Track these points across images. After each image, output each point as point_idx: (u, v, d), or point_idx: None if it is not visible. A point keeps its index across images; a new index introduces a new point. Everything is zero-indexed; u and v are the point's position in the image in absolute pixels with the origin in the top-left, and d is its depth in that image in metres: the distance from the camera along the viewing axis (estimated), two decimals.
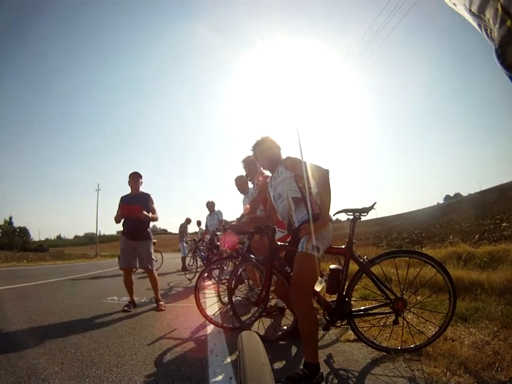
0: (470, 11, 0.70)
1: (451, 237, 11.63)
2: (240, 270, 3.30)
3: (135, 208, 4.11)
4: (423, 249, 7.96)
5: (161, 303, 4.19)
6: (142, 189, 4.48)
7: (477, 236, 10.82)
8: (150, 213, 4.28)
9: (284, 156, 2.60)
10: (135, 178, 4.39)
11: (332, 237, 2.35)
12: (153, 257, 4.36)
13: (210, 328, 3.13)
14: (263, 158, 2.63)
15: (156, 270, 4.38)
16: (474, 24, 0.72)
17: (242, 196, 4.59)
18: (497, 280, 3.48)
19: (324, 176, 2.24)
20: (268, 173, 2.99)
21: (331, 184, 2.25)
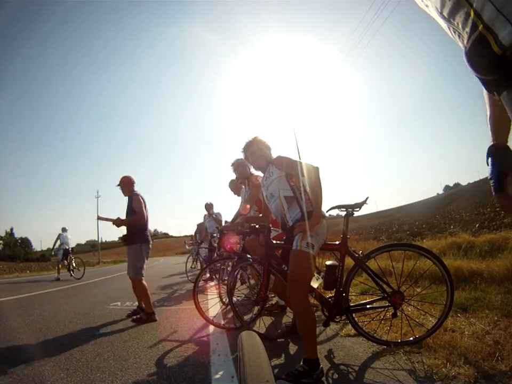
0: (441, 14, 0.72)
1: (451, 227, 11.60)
2: (238, 270, 3.32)
3: (110, 220, 4.05)
4: (424, 240, 7.93)
5: (139, 316, 3.77)
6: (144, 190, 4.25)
7: (477, 225, 10.80)
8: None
9: (275, 154, 2.61)
10: (120, 184, 4.22)
11: (330, 233, 2.38)
12: (141, 265, 3.94)
13: (212, 328, 3.16)
14: (254, 159, 2.64)
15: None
16: (444, 26, 0.74)
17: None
18: (497, 269, 3.49)
19: (315, 174, 2.26)
20: (259, 173, 3.00)
21: (321, 181, 2.27)
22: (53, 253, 11.09)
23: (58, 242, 10.08)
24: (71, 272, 9.95)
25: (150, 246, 4.13)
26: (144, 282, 3.93)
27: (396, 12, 16.15)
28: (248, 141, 2.65)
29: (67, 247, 10.03)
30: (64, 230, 10.32)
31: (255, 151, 2.61)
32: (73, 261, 10.23)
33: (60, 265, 10.14)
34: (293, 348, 2.55)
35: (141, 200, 4.08)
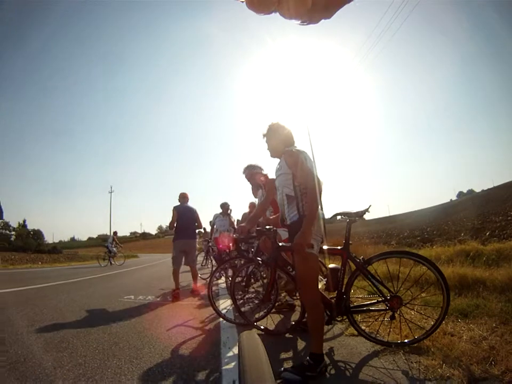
0: None
1: (462, 234, 11.52)
2: (251, 268, 3.46)
3: None
4: (433, 247, 7.94)
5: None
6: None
7: (487, 233, 10.71)
8: None
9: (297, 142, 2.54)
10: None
11: (335, 237, 2.49)
12: (172, 255, 5.41)
13: (223, 323, 3.30)
14: (270, 146, 2.59)
15: None
16: None
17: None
18: (500, 278, 3.56)
19: (309, 184, 2.20)
20: (272, 175, 3.10)
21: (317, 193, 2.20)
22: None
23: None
24: (110, 261, 15.34)
25: (181, 243, 5.40)
26: (175, 270, 5.32)
27: (412, 14, 15.99)
28: (268, 126, 2.59)
29: (106, 245, 15.67)
30: (114, 233, 16.71)
31: (271, 138, 2.56)
32: (110, 254, 15.43)
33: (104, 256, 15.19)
34: (299, 343, 2.69)
35: (174, 212, 5.48)
